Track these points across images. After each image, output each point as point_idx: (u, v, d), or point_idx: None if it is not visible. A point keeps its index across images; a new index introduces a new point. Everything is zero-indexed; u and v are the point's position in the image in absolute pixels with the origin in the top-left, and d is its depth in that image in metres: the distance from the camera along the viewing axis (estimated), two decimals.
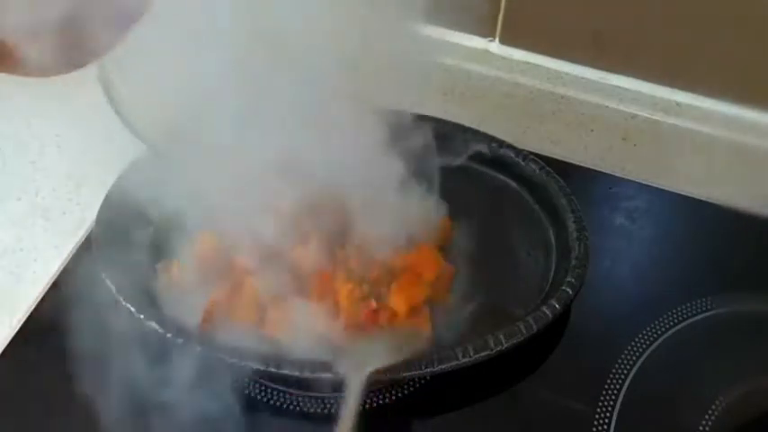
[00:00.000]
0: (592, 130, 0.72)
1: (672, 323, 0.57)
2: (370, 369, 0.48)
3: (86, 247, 0.59)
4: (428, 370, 0.51)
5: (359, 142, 0.54)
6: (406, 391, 0.53)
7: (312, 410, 0.52)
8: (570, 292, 0.55)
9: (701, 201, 0.66)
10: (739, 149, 0.69)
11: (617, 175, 0.68)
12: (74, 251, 0.61)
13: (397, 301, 0.55)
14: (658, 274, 0.61)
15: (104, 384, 0.54)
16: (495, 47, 0.75)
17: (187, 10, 0.43)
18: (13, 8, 0.22)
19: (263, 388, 0.53)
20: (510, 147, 0.65)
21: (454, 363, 0.51)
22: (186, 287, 0.56)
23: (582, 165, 0.69)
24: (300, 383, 0.52)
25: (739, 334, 0.57)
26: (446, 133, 0.65)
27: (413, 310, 0.55)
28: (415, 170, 0.58)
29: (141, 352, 0.55)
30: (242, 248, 0.56)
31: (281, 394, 0.53)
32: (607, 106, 0.72)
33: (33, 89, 0.75)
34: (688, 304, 0.58)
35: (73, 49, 0.29)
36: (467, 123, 0.66)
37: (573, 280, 0.55)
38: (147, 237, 0.59)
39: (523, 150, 0.64)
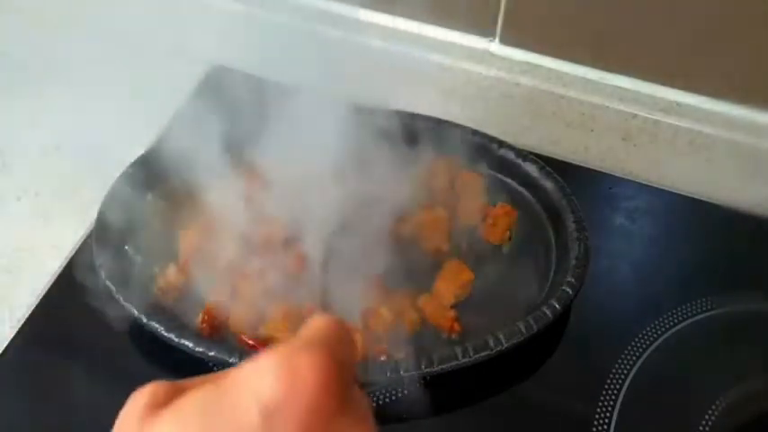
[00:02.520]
0: (592, 130, 0.72)
1: (672, 323, 0.57)
2: None
3: (86, 247, 0.59)
4: (428, 370, 0.51)
5: None
6: (406, 391, 0.53)
7: None
8: (570, 292, 0.55)
9: (701, 201, 0.66)
10: (739, 149, 0.69)
11: (617, 175, 0.68)
12: (74, 251, 0.61)
13: (444, 291, 0.56)
14: (658, 274, 0.61)
15: (103, 383, 0.54)
16: (495, 47, 0.75)
17: None
18: None
19: None
20: (510, 147, 0.65)
21: (454, 363, 0.51)
22: (183, 287, 0.57)
23: (582, 165, 0.69)
24: None
25: (739, 334, 0.57)
26: (446, 133, 0.65)
27: (443, 309, 0.56)
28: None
29: (140, 351, 0.55)
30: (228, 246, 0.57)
31: None
32: (607, 106, 0.72)
33: (34, 89, 0.76)
34: (688, 304, 0.58)
35: None
36: (467, 123, 0.66)
37: (573, 280, 0.55)
38: (146, 237, 0.59)
39: (523, 150, 0.64)
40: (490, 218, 0.61)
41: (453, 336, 0.55)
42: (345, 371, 0.26)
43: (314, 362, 0.25)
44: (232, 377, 0.25)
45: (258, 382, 0.25)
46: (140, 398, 0.27)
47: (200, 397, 0.26)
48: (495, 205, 0.62)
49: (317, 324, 0.28)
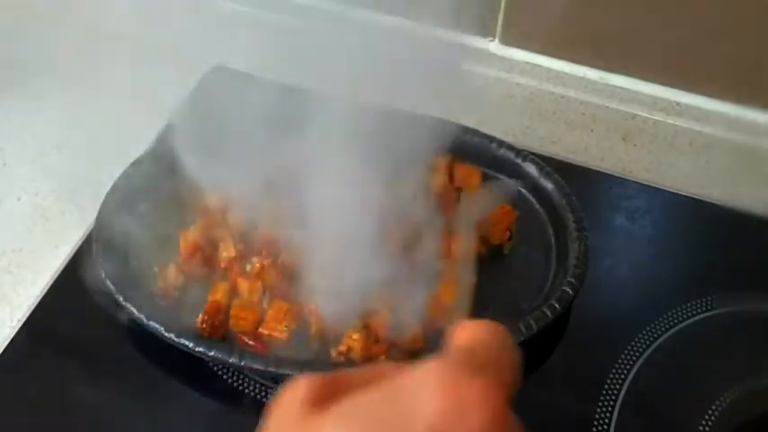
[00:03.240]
0: (592, 130, 0.72)
1: (672, 323, 0.57)
2: None
3: (86, 247, 0.59)
4: None
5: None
6: None
7: None
8: (570, 293, 0.54)
9: (701, 201, 0.66)
10: (739, 149, 0.69)
11: (617, 175, 0.68)
12: (74, 251, 0.61)
13: (445, 294, 0.56)
14: (658, 274, 0.61)
15: (103, 383, 0.54)
16: (495, 47, 0.75)
17: None
18: None
19: (263, 388, 0.53)
20: (510, 147, 0.65)
21: None
22: (183, 287, 0.57)
23: (582, 165, 0.69)
24: None
25: (739, 334, 0.57)
26: (446, 133, 0.65)
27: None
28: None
29: (140, 351, 0.55)
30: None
31: None
32: (607, 106, 0.72)
33: (34, 89, 0.76)
34: (688, 304, 0.58)
35: None
36: (467, 123, 0.66)
37: (573, 280, 0.55)
38: (146, 237, 0.59)
39: (523, 150, 0.64)
40: (490, 218, 0.61)
41: None
42: (510, 397, 0.26)
43: (485, 396, 0.25)
44: (399, 388, 0.24)
45: (427, 405, 0.24)
46: (298, 392, 0.26)
47: (366, 404, 0.25)
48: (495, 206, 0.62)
49: (482, 336, 0.27)
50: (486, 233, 0.61)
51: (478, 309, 0.57)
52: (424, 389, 0.24)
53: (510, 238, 0.61)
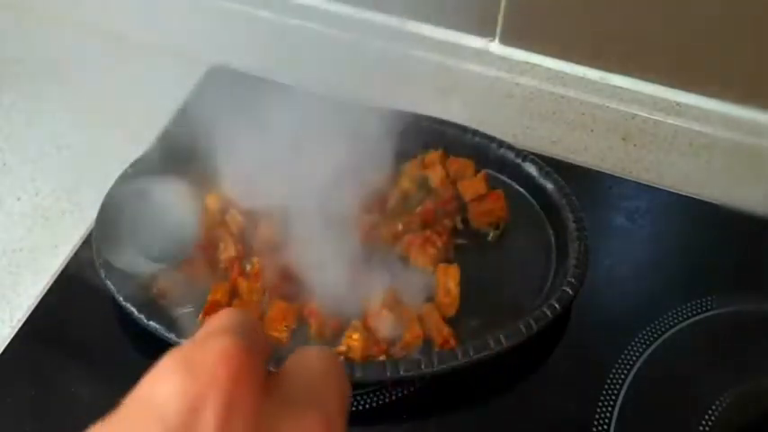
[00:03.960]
0: (592, 130, 0.72)
1: (672, 323, 0.57)
2: None
3: (86, 247, 0.59)
4: (428, 370, 0.51)
5: None
6: (405, 392, 0.53)
7: None
8: (570, 293, 0.55)
9: (701, 201, 0.66)
10: (739, 149, 0.69)
11: (617, 175, 0.68)
12: (74, 251, 0.61)
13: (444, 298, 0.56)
14: (658, 274, 0.61)
15: (103, 383, 0.54)
16: (495, 47, 0.75)
17: None
18: None
19: None
20: (510, 147, 0.65)
21: (454, 363, 0.51)
22: (182, 287, 0.57)
23: (582, 165, 0.69)
24: None
25: (739, 334, 0.57)
26: (446, 133, 0.65)
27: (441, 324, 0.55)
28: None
29: (140, 351, 0.55)
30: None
31: None
32: (607, 106, 0.72)
33: (34, 88, 0.76)
34: (688, 304, 0.58)
35: None
36: (467, 123, 0.66)
37: (573, 280, 0.55)
38: (146, 237, 0.59)
39: (523, 150, 0.64)
40: (482, 205, 0.61)
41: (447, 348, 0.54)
42: (259, 354, 0.22)
43: (221, 349, 0.21)
44: (131, 394, 0.21)
45: (159, 394, 0.20)
46: None
47: (104, 425, 0.21)
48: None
49: (215, 317, 0.25)
50: (476, 219, 0.61)
51: (478, 308, 0.57)
52: (155, 382, 0.22)
53: (499, 226, 0.61)
